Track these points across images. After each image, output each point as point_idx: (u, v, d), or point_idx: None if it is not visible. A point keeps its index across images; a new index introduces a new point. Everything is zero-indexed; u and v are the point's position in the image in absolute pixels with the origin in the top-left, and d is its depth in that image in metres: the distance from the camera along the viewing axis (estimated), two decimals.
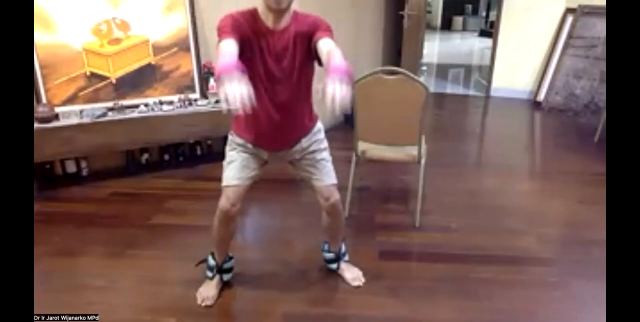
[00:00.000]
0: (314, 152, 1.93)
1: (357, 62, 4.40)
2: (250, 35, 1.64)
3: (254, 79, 1.54)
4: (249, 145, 1.88)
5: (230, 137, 1.93)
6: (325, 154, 1.97)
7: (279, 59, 1.69)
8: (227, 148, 1.93)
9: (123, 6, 3.17)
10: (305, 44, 1.69)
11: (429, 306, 2.03)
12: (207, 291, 2.05)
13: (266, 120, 1.78)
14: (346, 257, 2.23)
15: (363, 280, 2.17)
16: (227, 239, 2.02)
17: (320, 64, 1.67)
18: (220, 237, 2.00)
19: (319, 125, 1.97)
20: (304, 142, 1.91)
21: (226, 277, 2.12)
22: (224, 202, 1.86)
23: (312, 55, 1.71)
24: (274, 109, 1.77)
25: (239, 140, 1.88)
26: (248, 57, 1.63)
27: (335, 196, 1.96)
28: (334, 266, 2.21)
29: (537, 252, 2.44)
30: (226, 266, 2.10)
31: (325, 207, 1.98)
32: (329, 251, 2.20)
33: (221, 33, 1.60)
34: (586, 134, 4.22)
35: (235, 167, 1.87)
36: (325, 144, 1.97)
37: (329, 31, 1.69)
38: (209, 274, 2.09)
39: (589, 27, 4.99)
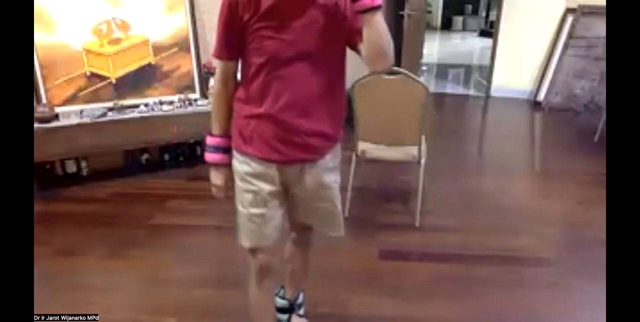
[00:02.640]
0: (328, 187, 1.51)
1: (357, 62, 4.39)
2: (252, 18, 1.29)
3: (266, 56, 1.31)
4: (258, 166, 1.43)
5: (233, 159, 1.49)
6: (338, 192, 1.56)
7: (299, 30, 1.29)
8: (236, 178, 1.49)
9: (123, 6, 3.17)
10: (336, 19, 1.32)
11: (429, 306, 2.03)
12: None
13: (285, 111, 1.35)
14: (301, 311, 1.88)
15: None
16: (268, 307, 1.67)
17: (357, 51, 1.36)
18: (260, 304, 1.64)
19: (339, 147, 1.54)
20: (329, 160, 1.49)
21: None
22: (256, 260, 1.53)
23: (344, 37, 1.35)
24: (299, 95, 1.35)
25: (241, 160, 1.45)
26: (254, 33, 1.30)
27: (312, 232, 1.67)
28: (284, 317, 1.85)
29: (537, 252, 2.44)
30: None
31: (297, 237, 1.69)
32: (282, 297, 1.85)
33: (215, 49, 1.39)
34: (586, 134, 4.22)
35: (249, 218, 1.46)
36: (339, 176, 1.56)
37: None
38: None
39: (589, 27, 4.99)
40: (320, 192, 1.50)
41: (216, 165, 1.50)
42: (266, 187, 1.43)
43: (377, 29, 1.26)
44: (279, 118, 1.35)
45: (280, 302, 1.85)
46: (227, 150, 1.48)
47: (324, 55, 1.34)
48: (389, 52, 1.29)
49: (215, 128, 1.48)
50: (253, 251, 1.52)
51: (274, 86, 1.33)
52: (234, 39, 1.33)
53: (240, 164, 1.45)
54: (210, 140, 1.49)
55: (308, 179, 1.46)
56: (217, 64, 1.42)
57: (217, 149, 1.48)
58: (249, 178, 1.44)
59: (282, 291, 1.87)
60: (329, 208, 1.55)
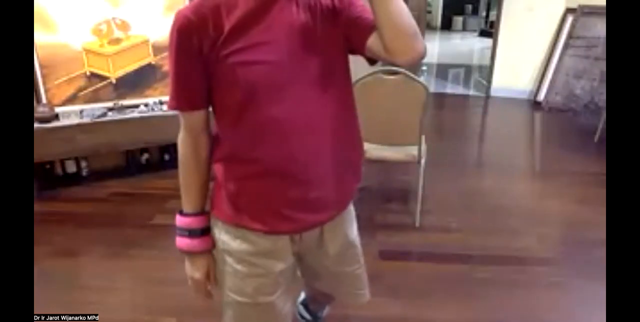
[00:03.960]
0: (352, 245, 1.22)
1: (357, 62, 4.39)
2: (214, 45, 0.95)
3: (246, 89, 0.95)
4: (261, 243, 1.07)
5: (215, 230, 1.12)
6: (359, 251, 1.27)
7: (284, 43, 0.96)
8: (228, 259, 1.10)
9: (123, 6, 3.17)
10: (329, 20, 0.99)
11: (429, 306, 2.03)
12: None
13: (288, 164, 1.01)
14: (322, 315, 1.80)
15: None
16: None
17: (370, 61, 1.07)
18: None
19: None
20: (351, 210, 1.19)
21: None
22: None
23: (344, 43, 1.01)
24: (300, 140, 1.00)
25: (234, 236, 1.08)
26: (228, 63, 0.96)
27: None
28: None
29: (537, 252, 2.44)
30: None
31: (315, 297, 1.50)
32: (307, 309, 1.72)
33: (172, 99, 1.07)
34: (586, 134, 4.22)
35: (252, 308, 1.10)
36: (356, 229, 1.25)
37: (360, 7, 1.01)
38: None
39: (589, 27, 4.99)
40: (346, 253, 1.20)
41: (191, 253, 1.14)
42: (277, 265, 1.08)
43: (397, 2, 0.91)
44: (285, 171, 1.00)
45: (304, 313, 1.72)
46: (204, 232, 1.12)
47: (327, 74, 1.00)
48: (417, 30, 0.93)
49: (187, 205, 1.13)
50: None
51: (269, 129, 0.97)
52: (195, 80, 1.01)
53: (236, 242, 1.07)
54: (180, 221, 1.13)
55: (330, 240, 1.14)
56: (180, 118, 1.09)
57: (191, 232, 1.11)
58: (251, 258, 1.07)
59: (305, 300, 1.71)
60: (356, 271, 1.25)
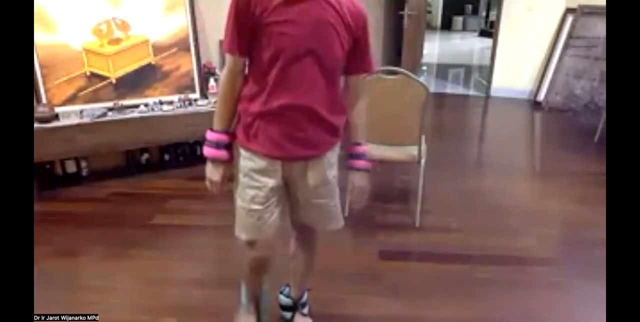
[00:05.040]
0: (328, 183, 1.54)
1: None
2: (263, 13, 1.29)
3: (274, 53, 1.32)
4: (262, 163, 1.45)
5: (235, 151, 1.50)
6: (336, 188, 1.59)
7: (313, 28, 1.31)
8: (239, 173, 1.50)
9: (123, 6, 3.17)
10: (347, 36, 1.38)
11: (429, 306, 2.03)
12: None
13: (292, 110, 1.38)
14: (305, 310, 1.90)
15: None
16: (260, 282, 1.80)
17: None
18: (254, 294, 1.81)
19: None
20: (330, 156, 1.52)
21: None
22: (252, 252, 1.58)
23: (347, 48, 1.40)
24: (303, 96, 1.38)
25: (246, 156, 1.46)
26: (268, 28, 1.31)
27: (316, 233, 1.69)
28: (287, 314, 1.90)
29: (537, 252, 2.44)
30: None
31: (300, 238, 1.70)
32: (287, 296, 1.89)
33: (225, 44, 1.39)
34: (586, 134, 4.22)
35: (249, 214, 1.49)
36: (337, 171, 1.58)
37: (369, 48, 1.47)
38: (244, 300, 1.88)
39: (589, 27, 4.99)
40: (321, 188, 1.52)
41: (215, 161, 1.48)
42: (270, 182, 1.45)
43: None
44: (285, 115, 1.37)
45: (285, 301, 1.89)
46: (227, 147, 1.47)
47: (329, 54, 1.35)
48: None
49: (218, 124, 1.46)
50: (250, 243, 1.56)
51: (282, 83, 1.34)
52: (246, 33, 1.33)
53: (245, 160, 1.46)
54: (211, 136, 1.46)
55: (311, 175, 1.48)
56: (227, 59, 1.40)
57: (218, 145, 1.45)
58: (252, 174, 1.45)
59: (287, 289, 1.90)
60: (327, 203, 1.56)
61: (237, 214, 1.53)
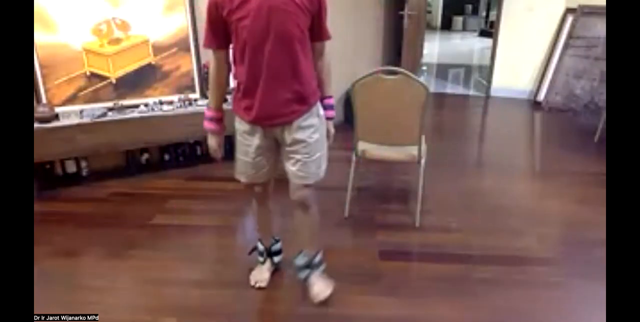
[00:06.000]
0: (302, 141, 1.83)
1: (357, 62, 4.40)
2: (229, 13, 1.63)
3: (243, 43, 1.66)
4: (248, 127, 1.83)
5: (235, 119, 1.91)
6: (318, 147, 1.88)
7: (268, 16, 1.61)
8: (237, 133, 1.91)
9: (123, 6, 3.17)
10: (302, 14, 1.66)
11: (429, 306, 2.03)
12: (260, 274, 2.15)
13: (262, 89, 1.72)
14: (322, 267, 2.09)
15: (327, 293, 2.01)
16: (267, 220, 2.14)
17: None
18: (260, 217, 2.14)
19: (319, 109, 1.87)
20: (302, 121, 1.81)
21: (277, 259, 2.21)
22: (254, 190, 2.01)
23: (307, 26, 1.71)
24: (270, 77, 1.70)
25: (238, 120, 1.86)
26: (233, 25, 1.65)
27: (305, 192, 1.91)
28: (302, 274, 2.07)
29: (537, 252, 2.44)
30: (274, 248, 2.19)
31: (296, 198, 1.95)
32: (302, 257, 2.09)
33: (204, 40, 1.77)
34: (586, 134, 4.22)
35: (244, 163, 1.92)
36: (319, 133, 1.87)
37: (324, 21, 1.79)
38: (260, 259, 2.19)
39: (589, 27, 4.99)
40: (296, 145, 1.83)
41: (212, 132, 1.92)
42: (255, 141, 1.85)
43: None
44: (260, 92, 1.72)
45: (299, 261, 2.10)
46: (219, 121, 1.91)
47: (287, 34, 1.65)
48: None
49: (212, 103, 1.90)
50: (248, 185, 1.99)
51: (252, 64, 1.68)
52: (219, 31, 1.70)
53: (237, 123, 1.87)
54: (207, 113, 1.90)
55: (287, 135, 1.83)
56: (211, 53, 1.80)
57: (211, 119, 1.89)
58: (244, 134, 1.87)
59: (300, 255, 2.10)
60: (303, 158, 1.86)
61: (237, 163, 1.95)
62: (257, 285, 2.12)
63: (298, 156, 1.85)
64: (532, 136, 4.77)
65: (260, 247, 2.17)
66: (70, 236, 2.55)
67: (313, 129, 1.84)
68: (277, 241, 2.20)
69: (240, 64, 1.72)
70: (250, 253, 2.23)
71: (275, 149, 1.91)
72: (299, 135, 1.82)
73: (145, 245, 2.48)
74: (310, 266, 2.07)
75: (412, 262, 2.41)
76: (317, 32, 1.78)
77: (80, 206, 2.90)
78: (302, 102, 1.79)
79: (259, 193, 2.03)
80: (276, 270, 2.22)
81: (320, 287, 2.03)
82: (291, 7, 1.64)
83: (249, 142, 1.86)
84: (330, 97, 1.93)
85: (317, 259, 2.08)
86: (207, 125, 1.91)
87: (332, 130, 1.98)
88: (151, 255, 2.39)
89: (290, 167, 1.88)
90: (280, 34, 1.64)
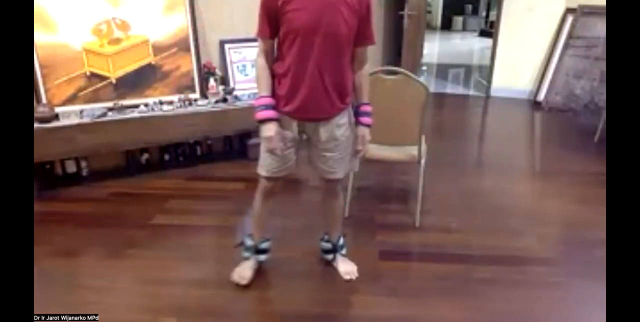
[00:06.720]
0: (336, 139, 1.89)
1: None
2: (284, 4, 1.67)
3: (295, 33, 1.69)
4: (284, 118, 1.84)
5: None
6: (349, 144, 1.95)
7: (321, 12, 1.67)
8: None
9: (123, 6, 3.17)
10: (351, 15, 1.71)
11: (429, 306, 2.03)
12: (244, 272, 2.14)
13: (307, 81, 1.76)
14: (343, 251, 2.26)
15: (356, 275, 2.19)
16: (264, 217, 2.14)
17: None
18: (259, 215, 2.12)
19: (350, 109, 1.94)
20: (339, 119, 1.87)
21: (263, 257, 2.20)
22: (265, 183, 1.99)
23: (355, 27, 1.75)
24: (316, 70, 1.74)
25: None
26: (286, 15, 1.68)
27: (335, 184, 2.05)
28: (329, 256, 2.25)
29: (537, 252, 2.44)
30: (263, 246, 2.18)
31: (324, 188, 2.07)
32: (327, 241, 2.23)
33: (258, 30, 1.79)
34: (586, 134, 4.22)
35: (271, 157, 1.89)
36: (350, 131, 1.94)
37: (371, 25, 1.82)
38: (246, 254, 2.17)
39: (589, 27, 4.99)
40: (329, 143, 1.89)
41: (267, 120, 1.80)
42: (289, 134, 1.86)
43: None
44: (302, 85, 1.76)
45: (325, 245, 2.24)
46: (274, 107, 1.82)
47: (336, 31, 1.69)
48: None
49: (264, 90, 1.82)
50: (266, 178, 1.98)
51: (303, 55, 1.71)
52: (271, 21, 1.73)
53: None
54: (262, 101, 1.81)
55: (322, 132, 1.87)
56: (259, 42, 1.81)
57: (267, 106, 1.80)
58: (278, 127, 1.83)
59: (325, 236, 2.24)
60: (334, 157, 1.93)
61: (261, 156, 1.93)
62: (241, 283, 2.10)
63: (330, 154, 1.92)
64: (532, 136, 4.77)
65: (249, 242, 2.16)
66: (70, 236, 2.55)
67: (345, 127, 1.92)
68: (266, 240, 2.20)
69: (287, 55, 1.74)
70: (236, 247, 2.22)
71: (300, 144, 1.95)
72: (336, 132, 1.88)
73: (145, 245, 2.48)
74: (335, 248, 2.22)
75: (412, 262, 2.41)
76: (363, 34, 1.79)
77: (80, 206, 2.90)
78: (343, 100, 1.85)
79: (268, 189, 2.02)
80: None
81: (347, 268, 2.21)
82: (343, 5, 1.68)
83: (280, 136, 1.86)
84: (368, 104, 1.94)
85: (341, 241, 2.25)
86: (264, 114, 1.80)
87: (369, 137, 1.95)
88: (151, 255, 2.39)
89: (321, 165, 1.96)
90: (330, 29, 1.68)
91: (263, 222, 2.15)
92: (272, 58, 1.83)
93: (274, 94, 1.83)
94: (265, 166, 1.94)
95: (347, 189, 2.73)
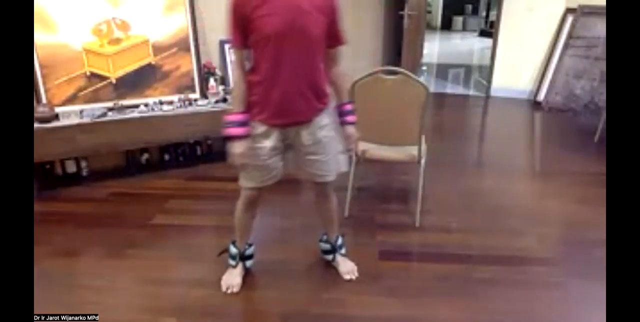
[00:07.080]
0: (321, 141, 1.88)
1: (357, 62, 4.39)
2: (253, 10, 1.65)
3: (267, 40, 1.67)
4: (262, 129, 1.81)
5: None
6: (335, 144, 1.93)
7: (292, 15, 1.66)
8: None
9: (123, 6, 3.17)
10: (320, 16, 1.71)
11: (429, 306, 2.03)
12: (232, 279, 2.12)
13: (282, 85, 1.74)
14: (343, 251, 2.25)
15: (356, 275, 2.20)
16: (248, 225, 2.11)
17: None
18: (243, 223, 2.09)
19: (332, 107, 1.93)
20: (320, 120, 1.86)
21: (248, 263, 2.19)
22: (250, 192, 1.96)
23: (325, 28, 1.74)
24: (291, 73, 1.73)
25: (252, 124, 1.82)
26: (257, 21, 1.66)
27: (325, 186, 2.04)
28: (329, 257, 2.25)
29: (537, 252, 2.44)
30: (248, 252, 2.17)
31: (314, 190, 2.07)
32: (325, 242, 2.23)
33: (230, 41, 1.77)
34: (586, 134, 4.22)
35: (254, 168, 1.87)
36: (334, 131, 1.93)
37: (340, 26, 1.82)
38: (232, 262, 2.15)
39: (589, 27, 4.99)
40: (313, 146, 1.88)
41: (241, 137, 1.79)
42: (269, 143, 1.83)
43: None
44: (279, 92, 1.74)
45: (324, 246, 2.24)
46: (245, 124, 1.80)
47: (307, 34, 1.69)
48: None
49: (238, 107, 1.80)
50: (251, 188, 1.95)
51: (276, 59, 1.70)
52: (242, 30, 1.70)
53: (253, 129, 1.82)
54: (232, 117, 1.79)
55: (304, 135, 1.85)
56: (234, 52, 1.80)
57: (236, 123, 1.79)
58: (256, 138, 1.82)
59: (324, 237, 2.24)
60: (321, 159, 1.91)
61: (245, 169, 1.89)
62: (230, 290, 2.08)
63: (315, 157, 1.90)
64: (532, 136, 4.77)
65: (234, 250, 2.14)
66: (70, 236, 2.55)
67: (328, 128, 1.90)
68: (250, 246, 2.18)
69: (261, 62, 1.73)
70: (219, 255, 2.20)
71: (284, 152, 1.92)
72: (318, 134, 1.86)
73: (145, 245, 2.48)
74: (334, 249, 2.22)
75: (412, 262, 2.41)
76: (334, 35, 1.80)
77: (80, 206, 2.90)
78: (320, 100, 1.84)
79: (254, 197, 1.99)
80: (260, 268, 2.21)
81: (347, 267, 2.21)
82: (312, 8, 1.69)
83: (261, 145, 1.83)
84: (350, 102, 1.97)
85: (339, 241, 2.24)
86: (235, 131, 1.79)
87: (356, 135, 1.96)
88: (151, 255, 2.39)
89: (309, 169, 1.93)
90: (303, 32, 1.68)
91: (248, 230, 2.12)
92: (249, 68, 1.80)
93: (248, 104, 1.81)
94: (250, 178, 1.91)
95: (347, 189, 2.73)
